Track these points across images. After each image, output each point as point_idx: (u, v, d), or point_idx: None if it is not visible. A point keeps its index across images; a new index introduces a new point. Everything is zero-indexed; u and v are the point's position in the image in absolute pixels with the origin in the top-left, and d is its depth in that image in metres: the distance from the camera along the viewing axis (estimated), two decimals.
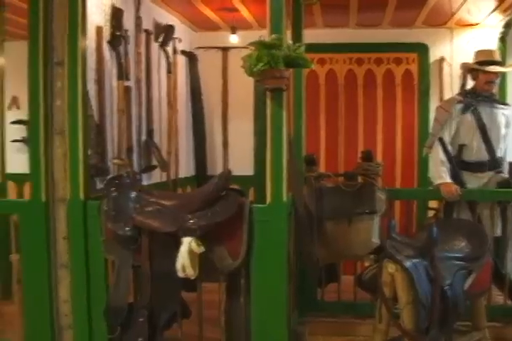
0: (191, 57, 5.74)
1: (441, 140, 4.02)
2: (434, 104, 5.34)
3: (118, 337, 2.75)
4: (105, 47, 3.87)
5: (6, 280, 3.62)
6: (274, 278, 2.83)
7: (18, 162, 4.57)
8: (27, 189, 4.72)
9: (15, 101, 5.26)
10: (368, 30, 5.60)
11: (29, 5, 3.09)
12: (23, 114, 5.19)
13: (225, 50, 5.87)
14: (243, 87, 5.58)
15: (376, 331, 3.11)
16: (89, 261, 3.00)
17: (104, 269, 3.00)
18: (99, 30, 3.81)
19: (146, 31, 4.62)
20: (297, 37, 3.77)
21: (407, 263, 2.86)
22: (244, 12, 5.04)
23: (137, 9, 4.44)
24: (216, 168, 5.84)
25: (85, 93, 3.07)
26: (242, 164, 5.45)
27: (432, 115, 4.81)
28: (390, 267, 2.92)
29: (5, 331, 3.38)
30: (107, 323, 2.82)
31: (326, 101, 5.93)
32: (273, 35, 2.73)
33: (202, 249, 2.61)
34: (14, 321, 3.32)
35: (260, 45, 2.67)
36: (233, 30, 5.55)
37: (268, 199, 2.83)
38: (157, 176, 4.80)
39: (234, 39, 5.57)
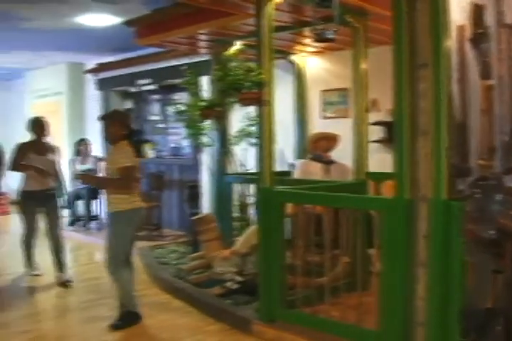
0: None
1: None
2: None
3: None
4: (467, 45, 3.81)
5: (365, 273, 3.83)
6: None
7: (374, 161, 4.81)
8: (384, 187, 4.93)
9: (375, 104, 5.49)
10: None
11: (393, 11, 3.22)
12: (382, 115, 5.45)
13: None
14: None
15: None
16: (448, 261, 3.00)
17: (462, 270, 2.98)
18: (460, 28, 3.76)
19: (508, 26, 4.40)
20: None
21: None
22: None
23: (498, 3, 4.26)
24: None
25: (449, 93, 3.08)
26: None
27: None
28: None
29: (363, 320, 3.57)
30: (461, 325, 2.78)
31: None
32: None
33: None
34: (371, 311, 3.50)
35: None
36: None
37: None
38: None
39: None
